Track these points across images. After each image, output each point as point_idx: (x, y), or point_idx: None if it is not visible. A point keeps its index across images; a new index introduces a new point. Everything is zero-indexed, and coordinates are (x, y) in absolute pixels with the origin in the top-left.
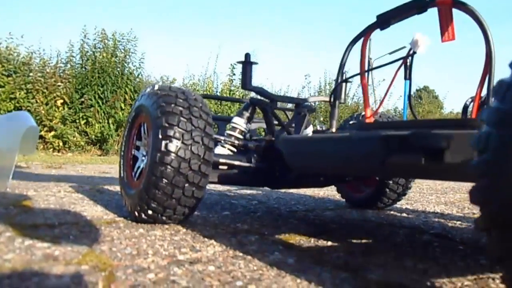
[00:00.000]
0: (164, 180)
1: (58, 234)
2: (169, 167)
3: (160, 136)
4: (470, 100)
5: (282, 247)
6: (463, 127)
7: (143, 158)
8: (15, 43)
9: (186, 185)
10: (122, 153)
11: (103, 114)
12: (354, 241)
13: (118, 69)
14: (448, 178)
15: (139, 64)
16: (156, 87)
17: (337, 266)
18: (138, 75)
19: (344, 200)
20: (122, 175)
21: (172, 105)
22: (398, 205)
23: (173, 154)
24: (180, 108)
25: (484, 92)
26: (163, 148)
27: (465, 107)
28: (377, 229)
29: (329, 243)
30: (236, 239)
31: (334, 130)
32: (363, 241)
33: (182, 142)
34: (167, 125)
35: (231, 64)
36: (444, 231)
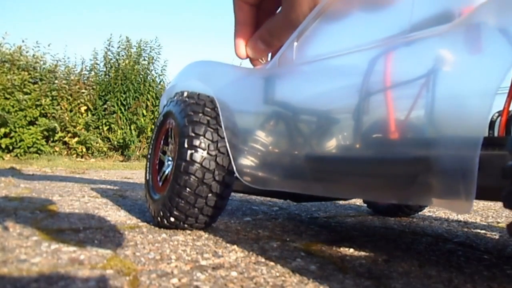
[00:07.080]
0: (188, 190)
1: (83, 239)
2: (193, 177)
3: (186, 146)
4: (497, 114)
5: (304, 253)
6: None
7: (169, 163)
8: (42, 52)
9: (209, 195)
10: (148, 156)
11: (125, 121)
12: (377, 248)
13: (141, 76)
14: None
15: (161, 71)
16: (185, 94)
17: (360, 273)
18: (160, 82)
19: (365, 206)
20: (147, 178)
21: (200, 114)
22: (420, 212)
23: (197, 164)
24: (208, 118)
25: None
26: (188, 158)
27: (492, 123)
28: (400, 236)
29: (351, 250)
30: (258, 245)
31: None
32: (386, 248)
33: (208, 153)
34: (193, 134)
35: None
36: (468, 240)
